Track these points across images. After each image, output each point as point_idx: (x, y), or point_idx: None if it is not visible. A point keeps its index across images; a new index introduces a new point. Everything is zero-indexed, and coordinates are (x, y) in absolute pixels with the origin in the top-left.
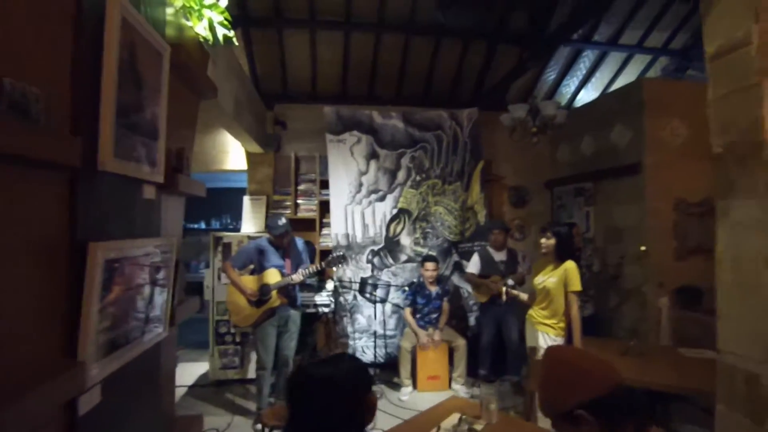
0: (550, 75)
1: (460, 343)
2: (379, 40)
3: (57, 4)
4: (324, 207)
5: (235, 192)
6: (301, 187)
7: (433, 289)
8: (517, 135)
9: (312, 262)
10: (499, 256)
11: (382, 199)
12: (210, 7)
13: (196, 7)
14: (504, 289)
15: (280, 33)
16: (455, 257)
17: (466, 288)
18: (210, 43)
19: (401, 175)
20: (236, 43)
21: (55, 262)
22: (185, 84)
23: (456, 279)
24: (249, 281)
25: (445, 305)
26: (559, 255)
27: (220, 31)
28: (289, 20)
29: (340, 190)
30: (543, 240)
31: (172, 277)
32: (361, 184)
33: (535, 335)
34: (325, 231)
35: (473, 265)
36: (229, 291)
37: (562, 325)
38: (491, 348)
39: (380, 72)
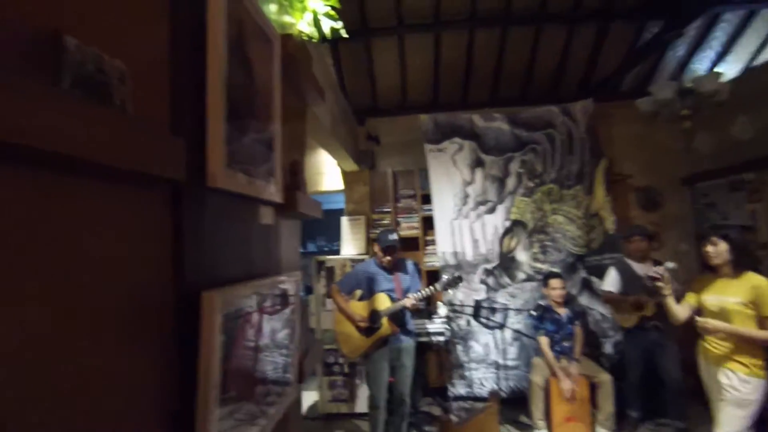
0: (678, 51)
1: (605, 378)
2: (472, 37)
3: None
4: (427, 224)
5: (331, 213)
6: (401, 204)
7: (563, 312)
8: (662, 120)
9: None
10: (643, 269)
11: (491, 210)
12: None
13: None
14: (662, 273)
15: (368, 45)
16: (582, 273)
17: (597, 309)
18: (314, 40)
19: (511, 183)
20: (345, 35)
21: (152, 323)
22: (292, 84)
23: (585, 299)
24: (358, 307)
25: (578, 331)
26: (736, 266)
27: (326, 24)
28: (376, 30)
29: (445, 204)
30: (709, 248)
31: (299, 322)
32: (467, 196)
33: (711, 371)
34: (429, 249)
35: (611, 283)
36: (336, 319)
37: (760, 362)
38: (642, 384)
39: (474, 72)
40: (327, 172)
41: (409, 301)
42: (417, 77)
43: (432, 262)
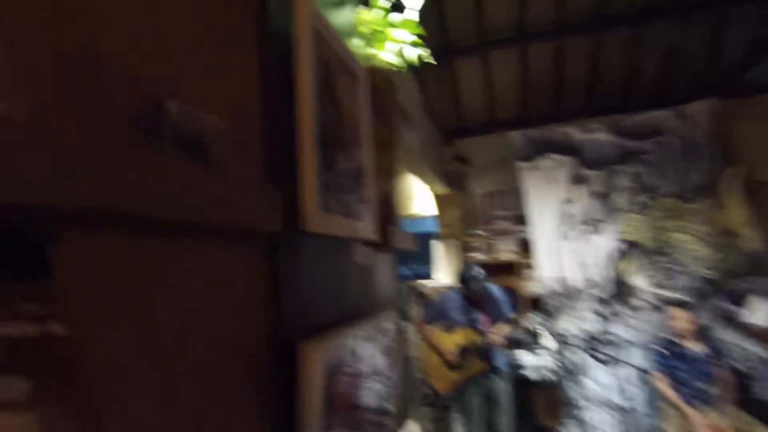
0: None
1: None
2: (562, 45)
3: (234, 10)
4: (526, 246)
5: (424, 237)
6: (495, 225)
7: (695, 348)
8: None
9: (515, 312)
10: None
11: (598, 230)
12: (400, 25)
13: (382, 29)
14: None
15: (451, 66)
16: (719, 301)
17: (742, 345)
18: (401, 70)
19: (620, 199)
20: (433, 61)
21: (249, 375)
22: (380, 115)
23: (725, 332)
24: (446, 340)
25: (725, 375)
26: None
27: (412, 53)
28: (458, 50)
29: (544, 225)
30: None
31: (399, 354)
32: (568, 215)
33: None
34: (530, 274)
35: (762, 314)
36: (424, 352)
37: None
38: None
39: (567, 82)
40: (417, 196)
41: (495, 337)
42: (504, 93)
43: (533, 287)
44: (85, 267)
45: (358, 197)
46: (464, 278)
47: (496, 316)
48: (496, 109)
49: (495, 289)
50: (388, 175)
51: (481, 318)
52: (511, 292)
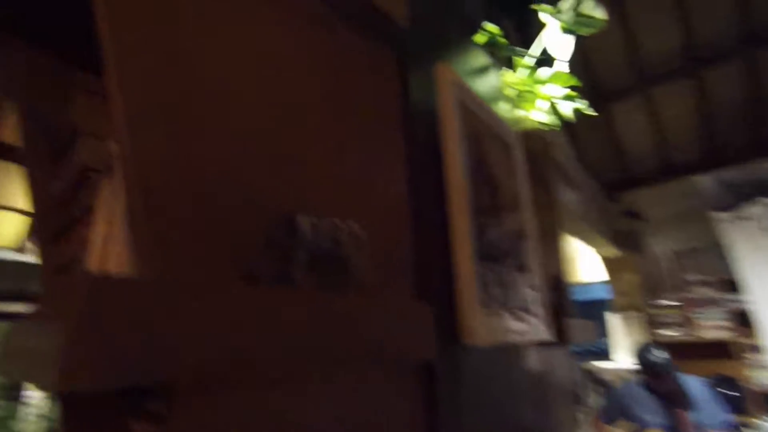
0: None
1: None
2: (753, 63)
3: (377, 96)
4: (743, 320)
5: (592, 305)
6: (691, 293)
7: None
8: None
9: (741, 412)
10: None
11: None
12: (550, 81)
13: (530, 88)
14: None
15: (606, 111)
16: None
17: None
18: (555, 128)
19: None
20: (594, 113)
21: None
22: (537, 180)
23: None
24: None
25: None
26: None
27: (566, 108)
28: (613, 93)
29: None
30: None
31: None
32: None
33: None
34: (752, 358)
35: None
36: None
37: None
38: None
39: (765, 102)
40: (581, 259)
41: None
42: (677, 132)
43: (760, 376)
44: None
45: (525, 290)
46: (643, 363)
47: (702, 419)
48: (670, 152)
49: (692, 380)
50: (554, 253)
51: (678, 420)
52: (732, 383)
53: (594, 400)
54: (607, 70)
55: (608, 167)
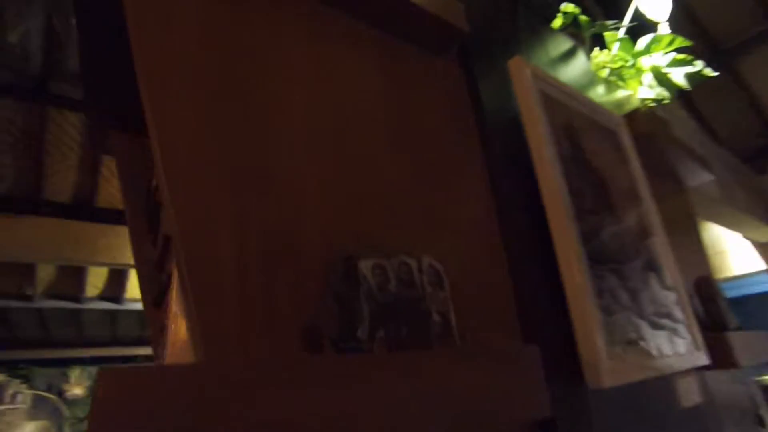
0: None
1: None
2: None
3: (447, 113)
4: None
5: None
6: None
7: None
8: None
9: None
10: None
11: None
12: (651, 49)
13: (629, 63)
14: None
15: (729, 70)
16: None
17: None
18: (665, 101)
19: None
20: (714, 73)
21: None
22: (656, 169)
23: None
24: None
25: None
26: None
27: (679, 74)
28: (736, 47)
29: None
30: None
31: None
32: None
33: None
34: None
35: None
36: None
37: None
38: None
39: None
40: (731, 250)
41: None
42: None
43: None
44: None
45: (661, 308)
46: None
47: None
48: None
49: None
50: (695, 252)
51: None
52: None
53: None
54: (721, 19)
55: (747, 134)
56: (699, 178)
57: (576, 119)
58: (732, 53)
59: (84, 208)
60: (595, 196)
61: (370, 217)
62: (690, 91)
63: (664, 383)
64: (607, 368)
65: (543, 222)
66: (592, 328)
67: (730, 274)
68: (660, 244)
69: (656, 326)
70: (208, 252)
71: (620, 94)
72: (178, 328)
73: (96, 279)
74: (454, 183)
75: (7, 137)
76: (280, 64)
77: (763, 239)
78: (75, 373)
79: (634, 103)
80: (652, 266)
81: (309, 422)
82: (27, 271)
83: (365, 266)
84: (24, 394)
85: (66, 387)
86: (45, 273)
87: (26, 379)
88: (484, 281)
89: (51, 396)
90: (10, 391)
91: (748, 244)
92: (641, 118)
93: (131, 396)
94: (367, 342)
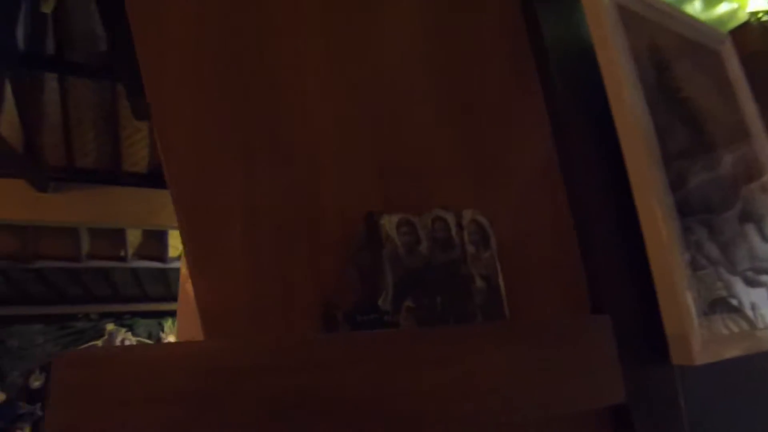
0: None
1: None
2: None
3: (499, 45)
4: None
5: None
6: None
7: None
8: None
9: None
10: None
11: None
12: None
13: None
14: None
15: None
16: None
17: None
18: None
19: None
20: None
21: None
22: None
23: None
24: None
25: None
26: None
27: None
28: None
29: None
30: None
31: None
32: None
33: None
34: None
35: None
36: None
37: None
38: None
39: None
40: None
41: None
42: None
43: None
44: None
45: (760, 239)
46: None
47: None
48: None
49: None
50: None
51: None
52: None
53: None
54: None
55: None
56: None
57: (664, 38)
58: None
59: (159, 177)
60: (688, 134)
61: (401, 171)
62: None
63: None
64: (698, 342)
65: (620, 168)
66: (681, 295)
67: None
68: (765, 188)
69: (753, 283)
70: (212, 231)
71: (724, 7)
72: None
73: (177, 241)
74: (507, 126)
75: (88, 113)
76: (288, 13)
77: None
78: (168, 323)
79: (742, 18)
80: (751, 216)
81: (296, 414)
82: (119, 235)
83: (389, 223)
84: (130, 341)
85: (162, 335)
86: (133, 237)
87: (130, 328)
88: (543, 240)
89: (151, 342)
90: (119, 339)
91: None
92: (753, 33)
93: (90, 383)
94: (392, 314)
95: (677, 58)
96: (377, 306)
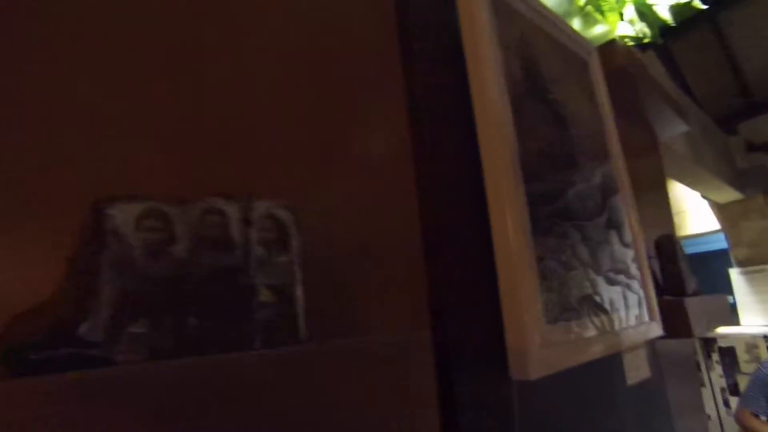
0: None
1: None
2: None
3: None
4: None
5: (707, 258)
6: None
7: None
8: None
9: None
10: None
11: None
12: None
13: None
14: None
15: (713, 24)
16: None
17: None
18: (647, 39)
19: None
20: (701, 5)
21: None
22: (629, 114)
23: None
24: None
25: None
26: None
27: (663, 6)
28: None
29: None
30: None
31: None
32: None
33: None
34: None
35: None
36: None
37: None
38: None
39: None
40: (690, 210)
41: None
42: None
43: None
44: None
45: (616, 271)
46: None
47: None
48: None
49: None
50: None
51: None
52: None
53: (718, 367)
54: None
55: (719, 96)
56: (673, 128)
57: (535, 35)
58: (715, 6)
59: None
60: (553, 135)
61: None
62: (668, 44)
63: (609, 361)
64: (536, 356)
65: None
66: (523, 308)
67: (688, 233)
68: (624, 200)
69: (612, 282)
70: None
71: (597, 29)
72: None
73: None
74: (357, 113)
75: None
76: None
77: (723, 200)
78: None
79: (611, 39)
80: (614, 223)
81: None
82: None
83: (121, 216)
84: None
85: None
86: None
87: None
88: (384, 242)
89: None
90: None
91: (704, 204)
92: (618, 51)
93: None
94: (106, 345)
95: (547, 57)
96: (75, 336)
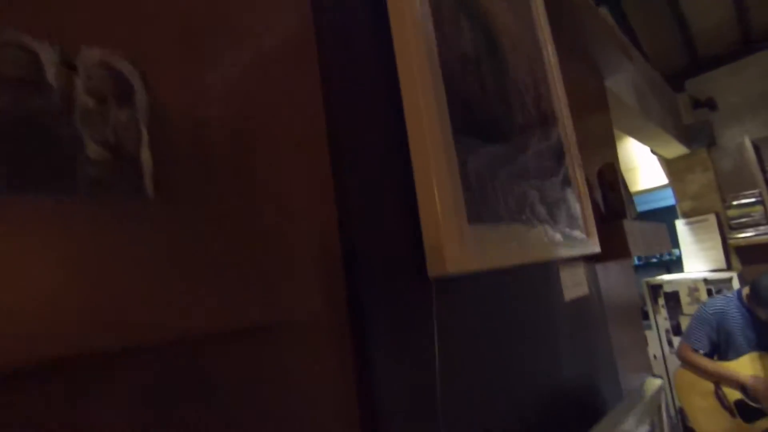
0: None
1: None
2: None
3: None
4: None
5: (657, 214)
6: None
7: None
8: None
9: None
10: None
11: None
12: None
13: None
14: None
15: None
16: None
17: None
18: None
19: None
20: None
21: None
22: (574, 49)
23: None
24: (728, 370)
25: None
26: None
27: None
28: None
29: None
30: None
31: None
32: None
33: None
34: None
35: None
36: (685, 384)
37: None
38: None
39: None
40: (641, 166)
41: None
42: None
43: None
44: None
45: (553, 188)
46: (758, 291)
47: None
48: (753, 20)
49: None
50: (604, 139)
51: None
52: None
53: (663, 318)
54: None
55: (671, 51)
56: (618, 69)
57: None
58: None
59: None
60: (501, 92)
61: None
62: (621, 4)
63: (546, 275)
64: (455, 250)
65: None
66: (439, 202)
67: (639, 189)
68: (573, 175)
69: (545, 196)
70: None
71: None
72: None
73: None
74: None
75: None
76: None
77: (670, 155)
78: None
79: None
80: (569, 181)
81: None
82: None
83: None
84: None
85: None
86: None
87: None
88: (278, 128)
89: None
90: None
91: (654, 160)
92: None
93: None
94: None
95: None
96: None
